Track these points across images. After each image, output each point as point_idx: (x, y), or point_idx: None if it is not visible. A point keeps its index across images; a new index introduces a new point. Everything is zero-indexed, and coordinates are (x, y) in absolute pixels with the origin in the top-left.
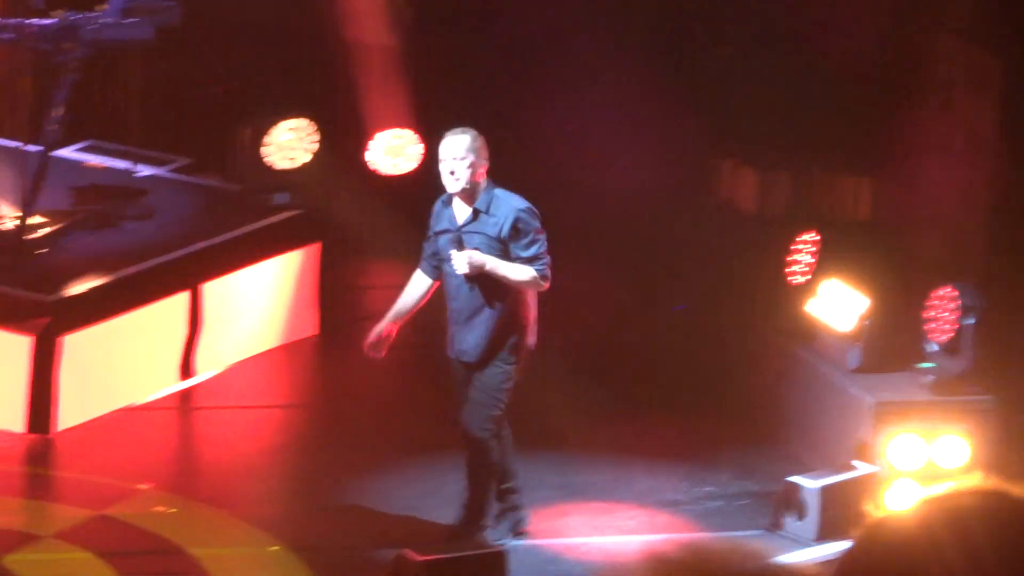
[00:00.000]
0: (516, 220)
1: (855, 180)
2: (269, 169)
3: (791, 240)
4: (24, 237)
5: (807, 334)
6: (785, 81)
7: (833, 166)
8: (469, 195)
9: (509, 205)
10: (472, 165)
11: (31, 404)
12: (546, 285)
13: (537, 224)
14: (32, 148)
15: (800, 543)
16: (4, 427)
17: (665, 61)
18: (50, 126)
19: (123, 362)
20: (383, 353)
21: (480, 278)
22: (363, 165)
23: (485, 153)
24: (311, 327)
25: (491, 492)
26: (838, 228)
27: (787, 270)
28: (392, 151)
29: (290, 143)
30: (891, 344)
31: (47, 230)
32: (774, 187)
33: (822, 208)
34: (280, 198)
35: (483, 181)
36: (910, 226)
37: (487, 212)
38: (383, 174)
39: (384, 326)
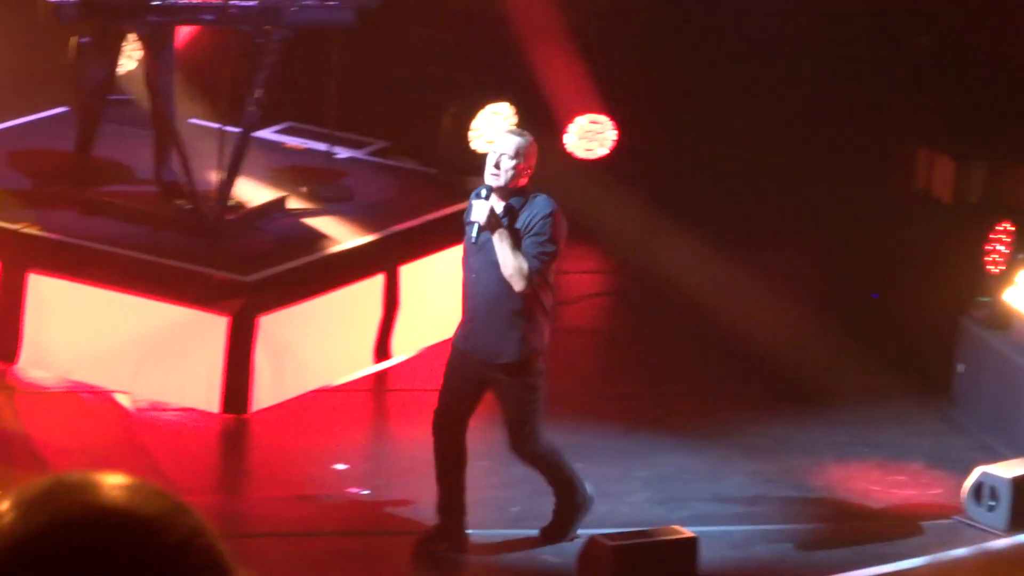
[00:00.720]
0: (542, 216)
1: None
2: (470, 152)
3: (987, 230)
4: (222, 218)
5: (1003, 323)
6: (982, 72)
7: None
8: (507, 194)
9: (543, 205)
10: (517, 168)
11: (226, 384)
12: (522, 285)
13: (555, 233)
14: (231, 129)
15: (991, 533)
16: (200, 407)
17: (863, 50)
18: (250, 108)
19: (318, 344)
20: None
21: (496, 275)
22: (559, 150)
23: (533, 160)
24: None
25: (576, 486)
26: None
27: (984, 259)
28: (588, 136)
29: (491, 126)
30: None
31: (245, 211)
32: (970, 176)
33: (1018, 198)
34: (476, 181)
35: (526, 185)
36: None
37: (520, 209)
38: (578, 158)
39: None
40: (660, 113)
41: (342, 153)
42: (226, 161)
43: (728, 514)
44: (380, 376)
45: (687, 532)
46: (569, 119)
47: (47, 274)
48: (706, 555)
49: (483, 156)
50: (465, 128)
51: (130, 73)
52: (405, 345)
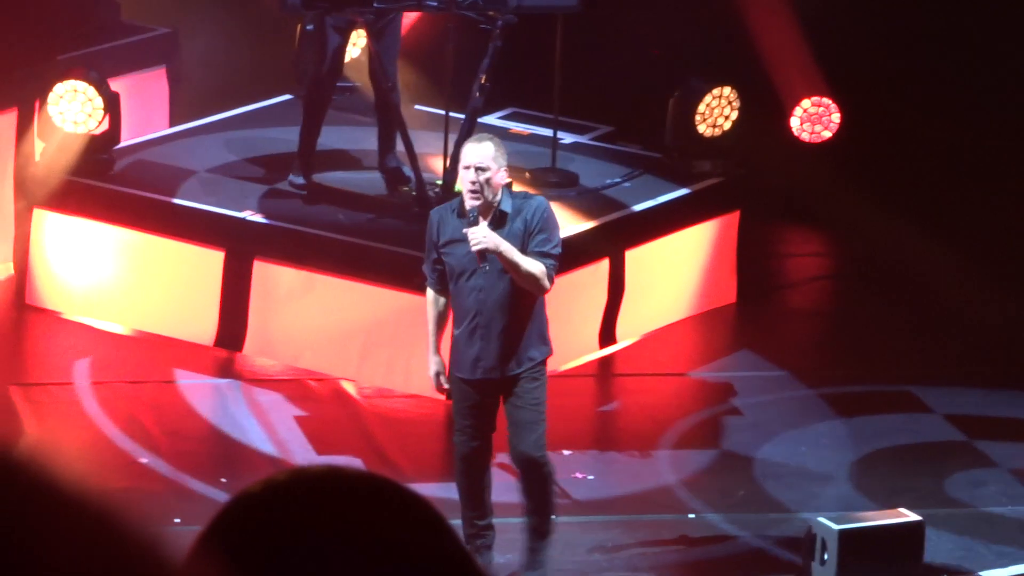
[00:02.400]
0: (541, 212)
1: None
2: (696, 136)
3: None
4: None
5: None
6: None
7: None
8: (491, 204)
9: (537, 201)
10: (494, 175)
11: None
12: (549, 287)
13: (555, 224)
14: (456, 116)
15: None
16: (425, 394)
17: None
18: (474, 93)
19: None
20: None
21: (503, 287)
22: (783, 132)
23: (504, 159)
24: (729, 295)
25: (553, 510)
26: None
27: None
28: (812, 119)
29: (715, 111)
30: None
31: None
32: None
33: None
34: (700, 165)
35: (508, 184)
36: None
37: (515, 211)
38: (804, 141)
39: (439, 364)
40: (885, 96)
41: (567, 138)
42: (451, 147)
43: (950, 499)
44: (605, 361)
45: (912, 515)
46: (794, 102)
47: (272, 262)
48: (931, 539)
49: (708, 140)
50: (691, 112)
51: (354, 60)
52: (630, 329)
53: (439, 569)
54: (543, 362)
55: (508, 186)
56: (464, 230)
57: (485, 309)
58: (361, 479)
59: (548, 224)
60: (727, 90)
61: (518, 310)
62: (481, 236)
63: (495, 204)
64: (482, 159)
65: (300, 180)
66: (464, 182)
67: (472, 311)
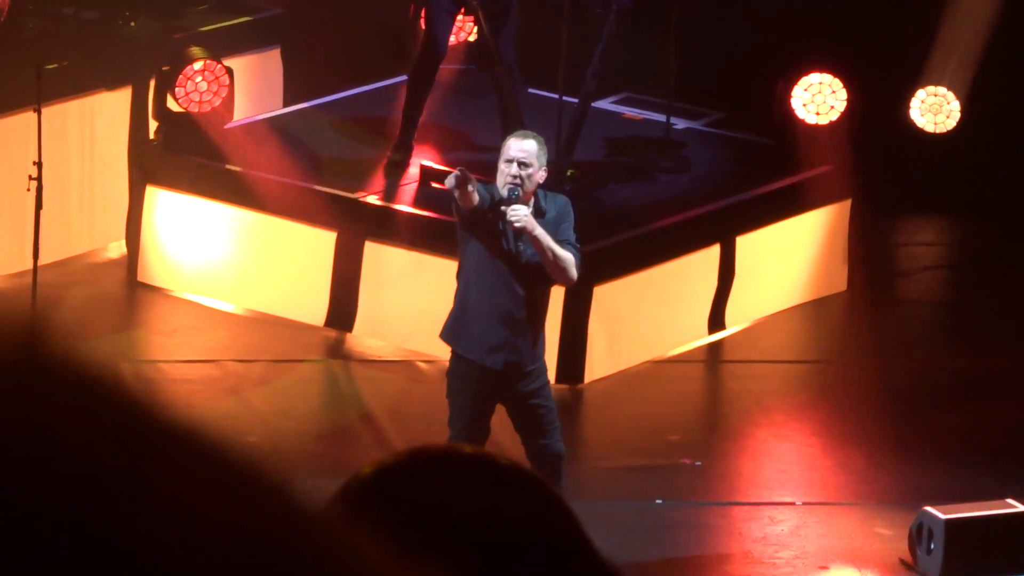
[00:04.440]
0: (567, 206)
1: None
2: (798, 123)
3: None
4: (561, 187)
5: None
6: None
7: None
8: (527, 199)
9: (561, 197)
10: (536, 171)
11: (561, 354)
12: (575, 276)
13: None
14: (570, 100)
15: None
16: None
17: None
18: (588, 78)
19: (653, 314)
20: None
21: (532, 272)
22: (901, 121)
23: (545, 159)
24: (840, 283)
25: None
26: None
27: None
28: (931, 108)
29: (818, 97)
30: None
31: (583, 181)
32: None
33: None
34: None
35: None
36: None
37: (545, 205)
38: (923, 130)
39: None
40: (1007, 85)
41: (680, 124)
42: (564, 131)
43: None
44: (714, 347)
45: (1020, 506)
46: (910, 91)
47: (384, 243)
48: None
49: (815, 127)
50: (790, 98)
51: (470, 43)
52: (739, 316)
53: (561, 553)
54: (543, 356)
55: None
56: (503, 207)
57: (514, 299)
58: (479, 459)
59: (572, 218)
60: (828, 77)
61: (541, 303)
62: (523, 214)
63: (530, 201)
64: (526, 155)
65: (398, 158)
66: (503, 175)
67: (495, 292)
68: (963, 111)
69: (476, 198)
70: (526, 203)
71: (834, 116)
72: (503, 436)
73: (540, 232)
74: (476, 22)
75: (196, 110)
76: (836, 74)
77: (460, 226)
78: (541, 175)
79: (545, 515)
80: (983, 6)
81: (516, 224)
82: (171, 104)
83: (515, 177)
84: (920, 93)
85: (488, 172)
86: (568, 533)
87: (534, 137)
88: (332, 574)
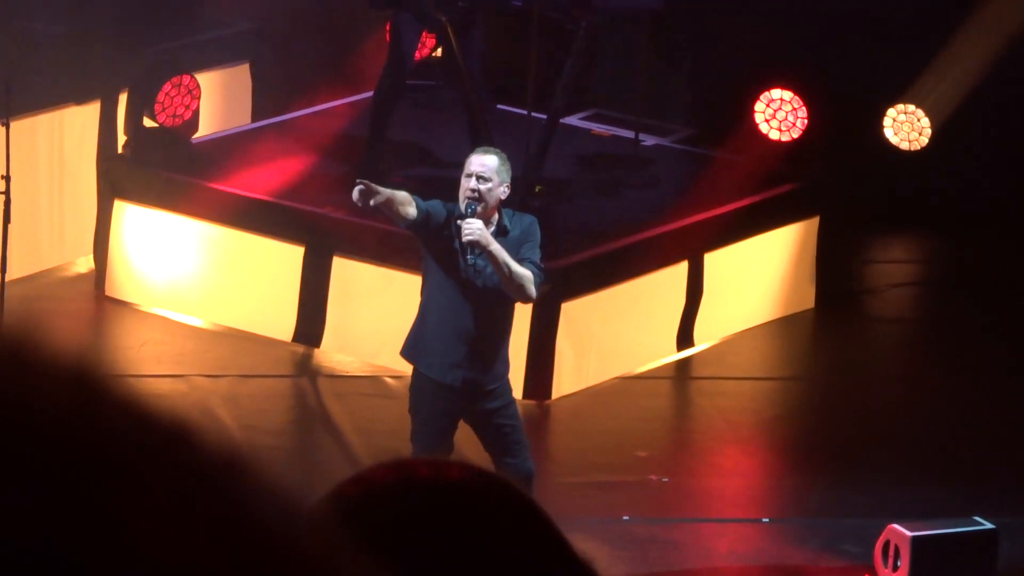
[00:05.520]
0: (533, 225)
1: None
2: (762, 139)
3: None
4: (528, 204)
5: None
6: None
7: None
8: (487, 214)
9: (528, 216)
10: (496, 187)
11: (529, 370)
12: (535, 296)
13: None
14: (538, 116)
15: None
16: None
17: None
18: (557, 94)
19: (621, 331)
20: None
21: (492, 290)
22: (872, 138)
23: (508, 176)
24: (808, 300)
25: None
26: None
27: None
28: (900, 126)
29: (776, 114)
30: None
31: (551, 197)
32: None
33: None
34: (778, 170)
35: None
36: None
37: (510, 223)
38: (896, 148)
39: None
40: (973, 103)
41: (648, 140)
42: (533, 147)
43: None
44: (682, 364)
45: (986, 523)
46: (879, 109)
47: (352, 258)
48: (1006, 548)
49: (780, 144)
50: (752, 115)
51: (433, 58)
52: (707, 333)
53: (544, 556)
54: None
55: (500, 203)
56: (458, 220)
57: (472, 314)
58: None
59: (538, 237)
60: (788, 94)
61: (503, 319)
62: (476, 228)
63: (493, 219)
64: (486, 169)
65: (366, 173)
66: (463, 189)
67: (457, 311)
68: (933, 128)
69: (409, 210)
70: (487, 219)
71: (795, 133)
72: (473, 454)
73: (496, 248)
74: (441, 39)
75: (169, 124)
76: (796, 91)
77: (420, 242)
78: (503, 191)
79: (526, 524)
80: (988, 42)
81: (468, 237)
82: (149, 118)
83: (473, 191)
84: (891, 111)
85: (454, 188)
86: (549, 537)
87: (496, 153)
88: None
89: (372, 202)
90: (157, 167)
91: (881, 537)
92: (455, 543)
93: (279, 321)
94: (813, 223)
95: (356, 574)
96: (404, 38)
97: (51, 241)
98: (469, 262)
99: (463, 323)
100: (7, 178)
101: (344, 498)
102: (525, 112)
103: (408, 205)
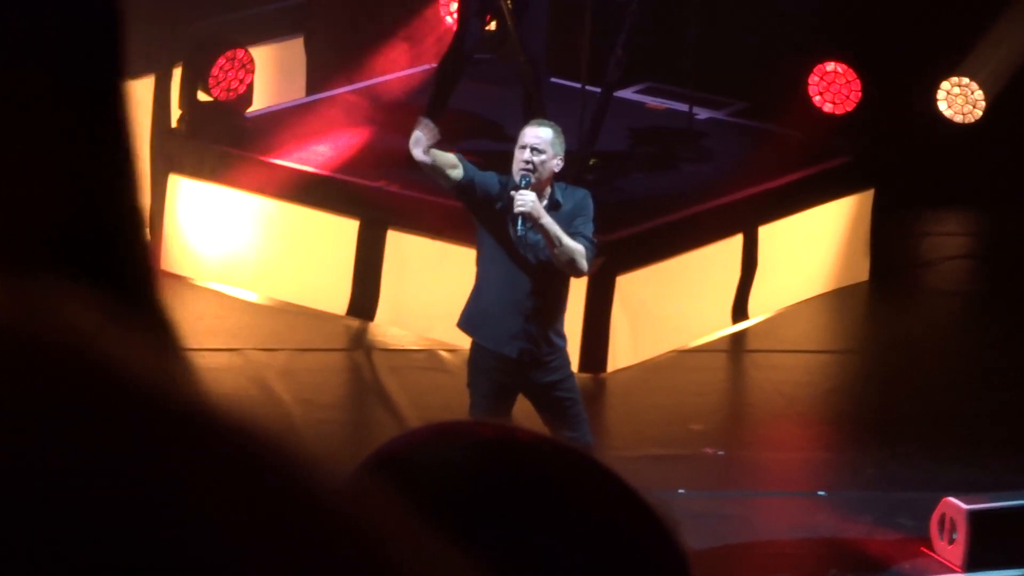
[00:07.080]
0: (585, 199)
1: None
2: (815, 112)
3: None
4: (583, 177)
5: None
6: None
7: None
8: (542, 187)
9: (581, 190)
10: (550, 159)
11: (584, 343)
12: (586, 270)
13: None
14: (593, 89)
15: None
16: None
17: None
18: (611, 67)
19: (676, 304)
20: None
21: (547, 261)
22: (926, 111)
23: (562, 149)
24: (862, 273)
25: None
26: None
27: None
28: (954, 99)
29: (829, 87)
30: None
31: (605, 171)
32: None
33: None
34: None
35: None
36: None
37: (563, 197)
38: (949, 121)
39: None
40: None
41: (702, 114)
42: (587, 121)
43: None
44: (737, 337)
45: None
46: (935, 82)
47: (406, 232)
48: None
49: (833, 118)
50: (805, 88)
51: (488, 32)
52: (762, 306)
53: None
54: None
55: (554, 176)
56: (511, 192)
57: (529, 278)
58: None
59: (590, 211)
60: (841, 67)
61: (559, 292)
62: (529, 200)
63: (546, 192)
64: (540, 141)
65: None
66: (517, 161)
67: (512, 280)
68: (987, 102)
69: (456, 172)
70: (540, 191)
71: (849, 106)
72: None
73: (547, 220)
74: (497, 13)
75: (224, 98)
76: (849, 64)
77: (471, 213)
78: (556, 164)
79: (590, 479)
80: None
81: (520, 208)
82: (198, 92)
83: (527, 163)
84: (944, 84)
85: (508, 161)
86: (613, 488)
87: (550, 125)
88: (349, 549)
89: (429, 144)
90: (211, 141)
91: (937, 510)
92: (533, 506)
93: (334, 295)
94: (867, 196)
95: (411, 540)
96: (470, 13)
97: None
98: (520, 234)
99: (518, 295)
100: None
101: (392, 459)
102: (579, 86)
103: (454, 168)
